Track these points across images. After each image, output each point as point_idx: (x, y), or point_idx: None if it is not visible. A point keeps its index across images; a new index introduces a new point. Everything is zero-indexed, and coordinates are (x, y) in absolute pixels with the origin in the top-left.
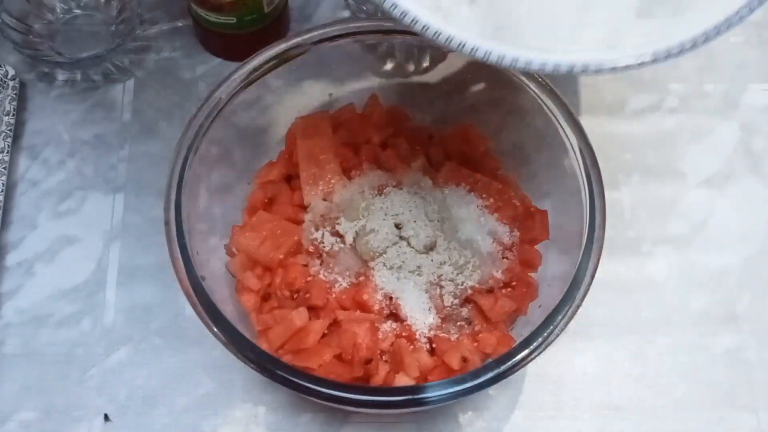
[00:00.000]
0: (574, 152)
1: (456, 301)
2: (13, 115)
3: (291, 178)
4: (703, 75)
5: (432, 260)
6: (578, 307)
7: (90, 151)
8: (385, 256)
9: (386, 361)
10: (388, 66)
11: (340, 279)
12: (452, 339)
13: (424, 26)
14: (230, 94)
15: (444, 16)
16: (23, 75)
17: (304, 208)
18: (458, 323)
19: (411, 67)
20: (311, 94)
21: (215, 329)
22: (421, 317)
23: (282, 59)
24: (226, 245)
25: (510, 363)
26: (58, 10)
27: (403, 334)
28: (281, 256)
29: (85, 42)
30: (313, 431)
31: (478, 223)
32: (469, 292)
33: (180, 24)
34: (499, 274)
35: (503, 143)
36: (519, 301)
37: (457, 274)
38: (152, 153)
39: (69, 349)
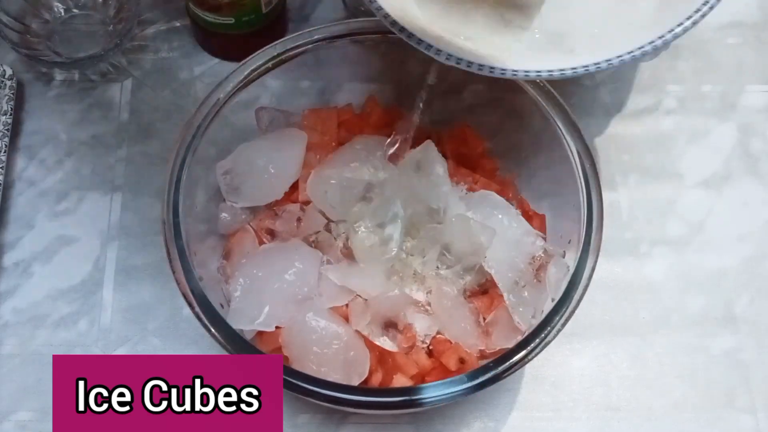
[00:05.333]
0: (572, 153)
1: None
2: (10, 114)
3: None
4: (701, 76)
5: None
6: (576, 308)
7: (87, 151)
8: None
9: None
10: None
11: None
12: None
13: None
14: (228, 95)
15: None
16: (21, 74)
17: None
18: None
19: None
20: (309, 95)
21: (213, 330)
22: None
23: (280, 60)
24: (224, 245)
25: (507, 364)
26: (56, 10)
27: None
28: None
29: (82, 42)
30: None
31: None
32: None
33: (178, 24)
34: None
35: (501, 144)
36: None
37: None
38: (150, 153)
39: (66, 349)
